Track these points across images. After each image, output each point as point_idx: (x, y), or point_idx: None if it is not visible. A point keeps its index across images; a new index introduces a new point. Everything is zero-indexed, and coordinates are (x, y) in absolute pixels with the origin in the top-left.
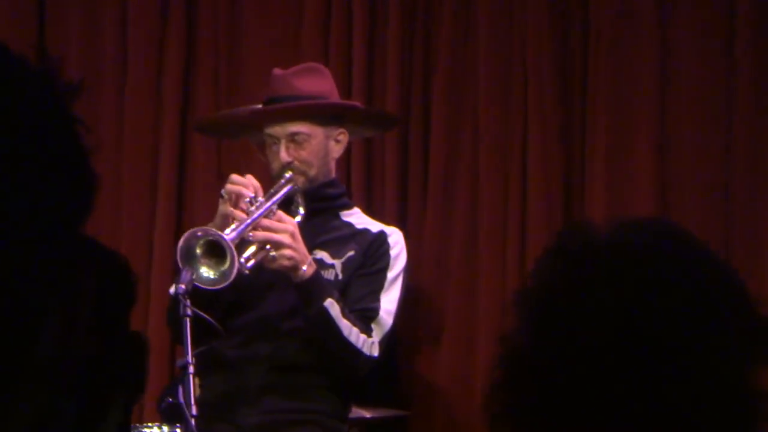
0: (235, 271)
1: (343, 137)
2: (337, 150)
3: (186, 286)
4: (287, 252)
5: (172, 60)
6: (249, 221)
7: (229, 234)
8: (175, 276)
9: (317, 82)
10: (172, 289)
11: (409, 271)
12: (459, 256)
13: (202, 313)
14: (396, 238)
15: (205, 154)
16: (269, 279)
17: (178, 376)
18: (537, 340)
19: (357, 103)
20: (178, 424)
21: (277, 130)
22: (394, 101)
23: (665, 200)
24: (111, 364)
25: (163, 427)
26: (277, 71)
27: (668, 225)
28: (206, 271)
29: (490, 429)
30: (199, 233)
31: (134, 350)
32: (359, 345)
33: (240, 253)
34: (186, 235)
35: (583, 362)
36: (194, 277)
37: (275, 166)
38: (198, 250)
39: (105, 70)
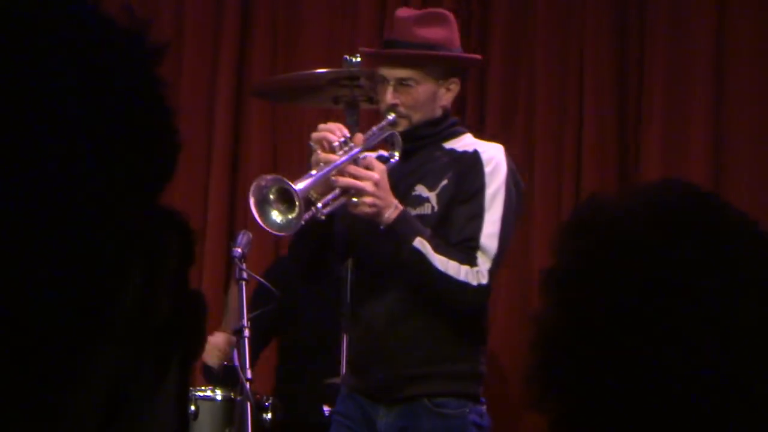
0: (301, 221)
1: (455, 86)
2: (446, 98)
3: (242, 249)
4: (369, 199)
5: (229, 25)
6: (328, 168)
7: (300, 183)
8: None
9: (437, 30)
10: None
11: (520, 179)
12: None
13: (258, 277)
14: (491, 153)
15: (259, 118)
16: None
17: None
18: (567, 319)
19: (475, 56)
20: (231, 387)
21: (387, 72)
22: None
23: (719, 167)
24: (175, 324)
25: (217, 390)
26: (400, 13)
27: (684, 186)
28: (276, 215)
29: (532, 410)
30: (270, 180)
31: (194, 311)
32: (461, 277)
33: (322, 198)
34: (258, 180)
35: (616, 340)
36: (262, 220)
37: (382, 105)
38: (271, 195)
39: (161, 36)
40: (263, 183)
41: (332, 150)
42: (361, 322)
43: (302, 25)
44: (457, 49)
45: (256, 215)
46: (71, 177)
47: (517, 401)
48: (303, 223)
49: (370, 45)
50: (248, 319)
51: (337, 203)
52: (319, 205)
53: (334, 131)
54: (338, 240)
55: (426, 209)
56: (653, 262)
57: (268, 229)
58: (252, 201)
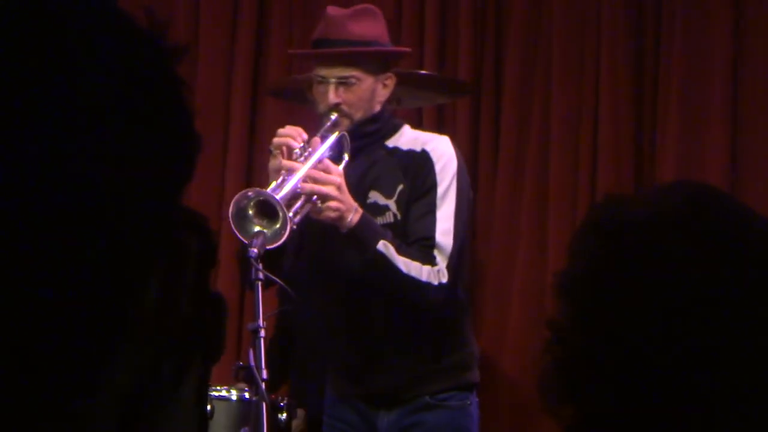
0: (288, 230)
1: (390, 81)
2: (383, 93)
3: (258, 249)
4: (333, 204)
5: (245, 25)
6: (298, 175)
7: (278, 192)
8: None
9: (370, 26)
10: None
11: (465, 167)
12: (529, 223)
13: (274, 277)
14: (440, 150)
15: (275, 118)
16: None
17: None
18: (582, 322)
19: (408, 49)
20: (246, 388)
21: (327, 71)
22: (466, 68)
23: (735, 168)
24: (196, 325)
25: (232, 389)
26: (331, 11)
27: (699, 188)
28: (258, 229)
29: (547, 414)
30: (250, 193)
31: (215, 313)
32: (423, 278)
33: (289, 208)
34: (236, 197)
35: (632, 345)
36: (247, 238)
37: (322, 106)
38: (250, 211)
39: (177, 34)
40: (243, 200)
41: (290, 155)
42: (347, 334)
43: (318, 20)
44: (388, 44)
45: (240, 236)
46: (93, 177)
47: (531, 404)
48: (287, 233)
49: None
50: (264, 320)
51: (305, 210)
52: (290, 214)
53: (295, 137)
54: (294, 248)
55: (388, 218)
56: (671, 265)
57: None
58: (233, 223)
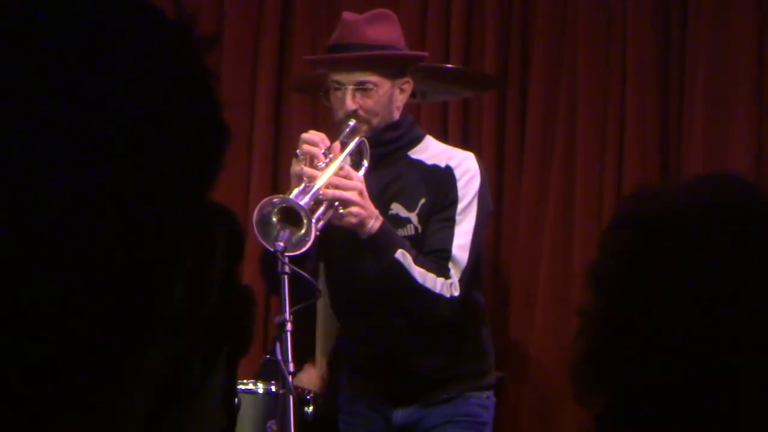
0: (312, 236)
1: (408, 86)
2: (401, 98)
3: (285, 243)
4: (355, 209)
5: (269, 18)
6: (321, 181)
7: (302, 198)
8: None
9: (386, 30)
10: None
11: (488, 187)
12: (555, 216)
13: (300, 272)
14: (465, 167)
15: (300, 112)
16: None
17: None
18: (615, 313)
19: (425, 53)
20: (273, 381)
21: (343, 77)
22: (492, 62)
23: (762, 161)
24: (225, 317)
25: (258, 383)
26: (346, 16)
27: (731, 179)
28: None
29: (577, 402)
30: (275, 200)
31: (243, 305)
32: (437, 290)
33: (312, 214)
34: (261, 203)
35: (665, 336)
36: (291, 232)
37: (340, 113)
38: (273, 218)
39: (201, 28)
40: (268, 207)
41: (314, 163)
42: (364, 339)
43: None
44: (405, 47)
45: (264, 242)
46: (122, 168)
47: (556, 395)
48: (312, 239)
49: (414, 42)
50: (291, 313)
51: (327, 216)
52: (313, 219)
53: (318, 143)
54: (313, 254)
55: (409, 230)
56: (703, 254)
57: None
58: (257, 230)
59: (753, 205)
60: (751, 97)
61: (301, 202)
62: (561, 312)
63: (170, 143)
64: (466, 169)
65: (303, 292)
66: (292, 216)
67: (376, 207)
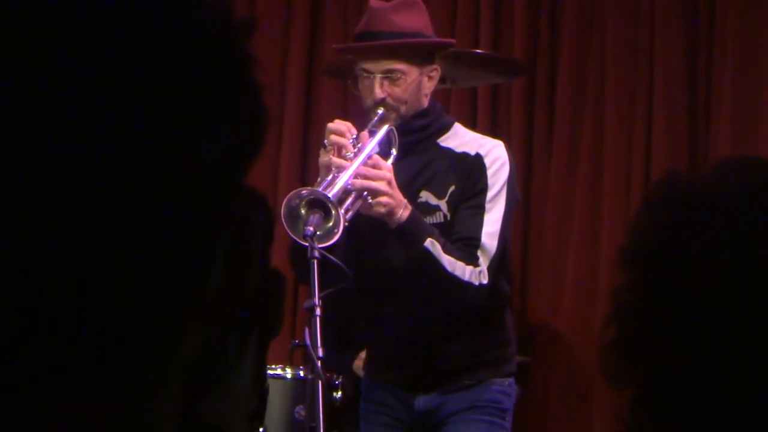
0: (341, 228)
1: (436, 73)
2: (429, 86)
3: (314, 228)
4: (384, 199)
5: (301, 3)
6: (349, 172)
7: (330, 190)
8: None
9: (414, 18)
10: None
11: (516, 175)
12: (583, 203)
13: (330, 256)
14: (494, 155)
15: (330, 96)
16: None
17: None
18: (648, 296)
19: (452, 41)
20: (301, 366)
21: (371, 65)
22: (521, 48)
23: None
24: (258, 300)
25: (287, 368)
26: (373, 4)
27: (763, 161)
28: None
29: (608, 385)
30: (304, 192)
31: (274, 289)
32: (466, 277)
33: (341, 205)
34: (289, 196)
35: (700, 317)
36: (299, 237)
37: (368, 101)
38: (302, 210)
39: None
40: (296, 199)
41: (340, 152)
42: (386, 324)
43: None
44: (433, 35)
45: (293, 235)
46: (164, 152)
47: (583, 380)
48: (341, 231)
49: (443, 28)
50: (320, 298)
51: (356, 206)
52: (341, 210)
53: (345, 133)
54: (342, 243)
55: (438, 218)
56: (738, 237)
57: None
58: (285, 223)
59: None
60: None
61: (329, 194)
62: (589, 297)
63: (211, 128)
64: (496, 157)
65: (331, 278)
66: (320, 208)
67: (405, 195)
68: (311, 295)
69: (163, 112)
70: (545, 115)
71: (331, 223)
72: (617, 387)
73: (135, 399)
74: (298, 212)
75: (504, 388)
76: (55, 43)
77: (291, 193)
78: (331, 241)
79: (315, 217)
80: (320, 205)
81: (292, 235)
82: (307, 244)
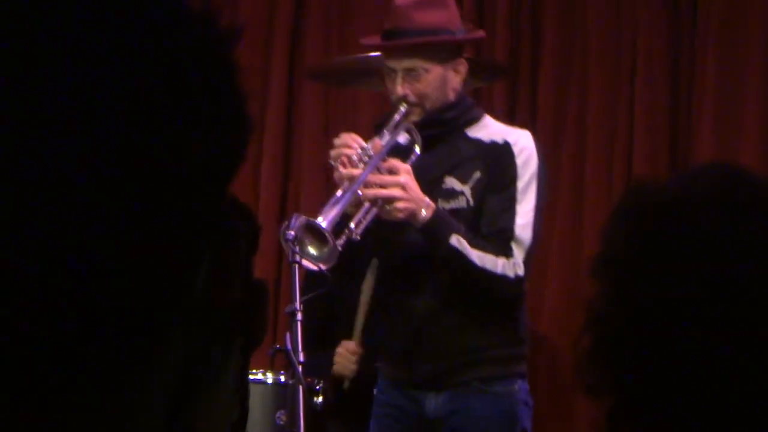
0: (336, 253)
1: (462, 67)
2: (456, 80)
3: (296, 232)
4: (400, 204)
5: (283, 7)
6: (354, 187)
7: (328, 214)
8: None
9: (437, 14)
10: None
11: (545, 165)
12: (565, 206)
13: (308, 264)
14: (522, 144)
15: (312, 101)
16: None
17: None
18: (621, 304)
19: (479, 34)
20: (282, 371)
21: (394, 63)
22: (502, 52)
23: None
24: (239, 310)
25: (268, 373)
26: (398, 1)
27: (732, 168)
28: (312, 249)
29: (585, 395)
30: (297, 225)
31: (258, 297)
32: (498, 270)
33: (353, 215)
34: (284, 227)
35: (672, 324)
36: (302, 219)
37: (393, 98)
38: (301, 230)
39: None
40: (291, 230)
41: (352, 163)
42: (398, 317)
43: (356, 5)
44: (459, 30)
45: (297, 221)
46: (147, 161)
47: (566, 385)
48: (340, 249)
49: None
50: (301, 303)
51: (369, 217)
52: (352, 225)
53: (350, 144)
54: (367, 240)
55: (461, 203)
56: (709, 247)
57: (308, 263)
58: (285, 243)
59: (755, 191)
60: (761, 89)
61: (324, 222)
62: (571, 303)
63: (195, 136)
64: (524, 146)
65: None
66: (318, 232)
67: (431, 182)
68: (293, 300)
69: (147, 120)
70: (527, 119)
71: (327, 249)
72: (594, 396)
73: (118, 409)
74: (300, 236)
75: (513, 394)
76: (35, 53)
77: (283, 226)
78: (327, 265)
79: (297, 221)
80: (319, 230)
81: (305, 263)
82: (285, 240)
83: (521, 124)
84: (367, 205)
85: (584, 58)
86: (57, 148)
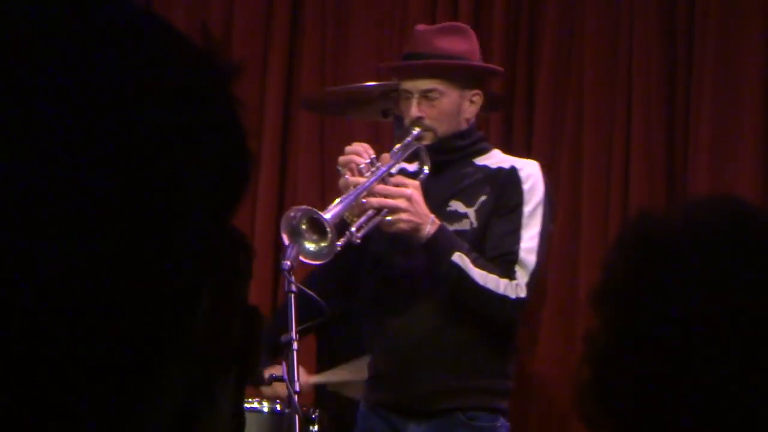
0: (335, 249)
1: (478, 98)
2: (470, 110)
3: (291, 262)
4: (404, 216)
5: (278, 37)
6: (357, 191)
7: (329, 211)
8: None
9: (457, 42)
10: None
11: (553, 194)
12: (561, 235)
13: (307, 291)
14: (528, 171)
15: (307, 130)
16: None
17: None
18: (620, 337)
19: (498, 68)
20: (278, 400)
21: (410, 85)
22: (498, 79)
23: None
24: (235, 340)
25: (264, 402)
26: (419, 27)
27: (734, 201)
28: (309, 245)
29: (585, 427)
30: (299, 211)
31: (251, 327)
32: (500, 290)
33: (354, 221)
34: (287, 213)
35: (672, 358)
36: (297, 250)
37: (406, 120)
38: (302, 225)
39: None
40: (292, 215)
41: (360, 172)
42: (388, 338)
43: (351, 36)
44: (478, 61)
45: (293, 251)
46: (149, 194)
47: (558, 416)
48: (338, 249)
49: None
50: (296, 332)
51: (371, 224)
52: (353, 228)
53: (361, 153)
54: (368, 257)
55: (464, 225)
56: (708, 277)
57: (303, 259)
58: (284, 234)
59: (754, 226)
60: (758, 101)
61: (327, 215)
62: (566, 332)
63: (197, 171)
64: (530, 173)
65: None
66: (319, 226)
67: (436, 204)
68: (288, 329)
69: (149, 154)
70: (523, 149)
71: (325, 244)
72: (593, 429)
73: None
74: (299, 229)
75: (496, 429)
76: (36, 89)
77: (286, 212)
78: (323, 261)
79: (292, 250)
80: (319, 224)
81: (287, 241)
82: (282, 270)
83: (517, 151)
84: (370, 212)
85: (579, 89)
86: (56, 187)
